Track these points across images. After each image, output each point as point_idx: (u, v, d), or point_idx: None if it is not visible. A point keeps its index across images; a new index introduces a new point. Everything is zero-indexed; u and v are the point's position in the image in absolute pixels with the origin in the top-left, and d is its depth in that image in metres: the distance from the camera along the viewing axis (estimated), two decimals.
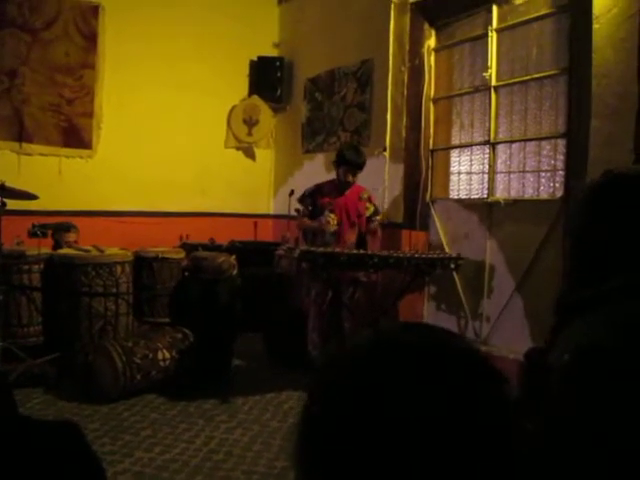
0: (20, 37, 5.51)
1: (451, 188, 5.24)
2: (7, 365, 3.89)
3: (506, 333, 4.46)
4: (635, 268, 1.06)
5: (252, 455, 3.15)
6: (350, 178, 4.48)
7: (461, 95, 5.11)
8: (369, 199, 4.66)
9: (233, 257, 4.69)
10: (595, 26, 3.59)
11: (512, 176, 4.68)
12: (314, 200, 4.61)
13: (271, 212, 6.98)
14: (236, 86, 6.72)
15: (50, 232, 4.57)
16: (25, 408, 3.57)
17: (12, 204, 4.07)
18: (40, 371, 4.04)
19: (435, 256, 4.23)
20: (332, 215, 4.54)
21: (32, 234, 4.44)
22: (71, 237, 4.77)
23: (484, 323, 4.69)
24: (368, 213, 4.62)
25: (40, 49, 5.61)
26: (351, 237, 4.59)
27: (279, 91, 6.74)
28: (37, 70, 5.60)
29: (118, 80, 5.91)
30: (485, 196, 4.77)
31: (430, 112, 5.31)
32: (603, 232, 1.13)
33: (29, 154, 5.54)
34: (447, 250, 4.86)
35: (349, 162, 4.42)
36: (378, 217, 4.72)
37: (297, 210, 4.75)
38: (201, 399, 3.90)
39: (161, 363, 3.99)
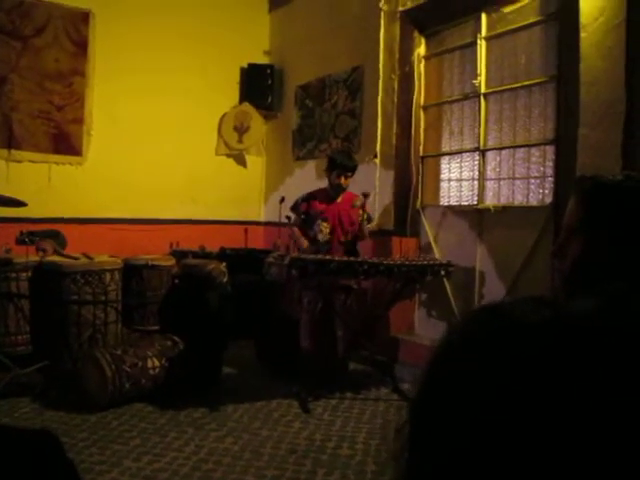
0: (9, 44, 5.49)
1: (441, 195, 5.25)
2: None
3: None
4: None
5: (242, 464, 3.12)
6: (342, 181, 4.47)
7: (451, 102, 5.13)
8: (362, 206, 4.66)
9: (223, 264, 4.67)
10: (582, 34, 3.62)
11: (502, 183, 4.70)
12: (307, 208, 4.60)
13: (262, 219, 6.97)
14: (227, 93, 6.72)
15: (37, 240, 4.52)
16: (12, 417, 3.53)
17: (0, 211, 4.05)
18: (27, 380, 4.01)
19: (426, 263, 4.23)
20: (324, 224, 4.53)
21: (20, 241, 4.40)
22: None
23: None
24: (361, 220, 4.62)
25: (30, 56, 5.60)
26: (344, 245, 4.59)
27: (270, 98, 6.74)
28: (27, 77, 5.58)
29: (108, 87, 5.89)
30: (475, 203, 4.78)
31: (420, 119, 5.33)
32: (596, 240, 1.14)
33: (18, 161, 5.51)
34: (438, 257, 4.87)
35: (340, 165, 4.43)
36: (370, 225, 4.72)
37: (287, 217, 4.74)
38: (191, 407, 3.88)
39: (150, 371, 3.96)
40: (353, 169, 4.49)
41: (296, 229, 4.65)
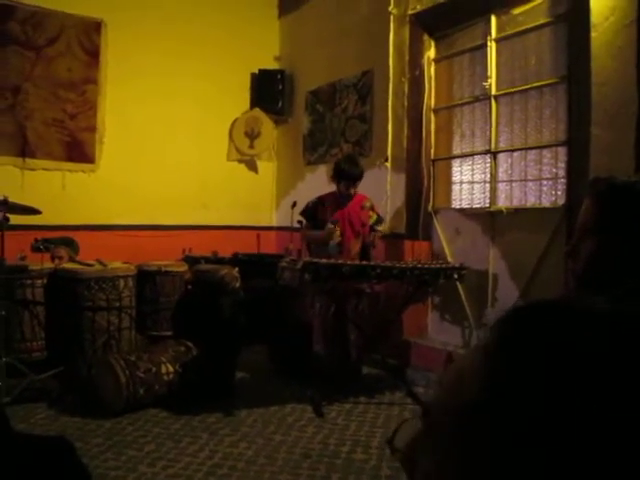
0: (23, 54, 5.57)
1: (453, 198, 5.23)
2: (10, 380, 3.89)
3: None
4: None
5: (256, 469, 3.12)
6: (351, 190, 4.51)
7: (461, 105, 5.12)
8: (372, 208, 4.67)
9: (236, 269, 4.69)
10: (593, 34, 3.60)
11: (514, 185, 4.68)
12: (316, 212, 4.62)
13: (274, 224, 6.98)
14: (238, 99, 6.75)
15: (52, 247, 4.57)
16: (28, 423, 3.56)
17: (15, 219, 4.09)
18: (43, 386, 4.04)
19: (438, 266, 4.21)
20: (335, 227, 4.54)
21: (35, 249, 4.45)
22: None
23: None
24: (371, 221, 4.63)
25: (43, 65, 5.66)
26: (355, 247, 4.60)
27: (280, 103, 6.77)
28: (40, 86, 5.65)
29: (120, 95, 5.95)
30: (487, 205, 4.76)
31: (431, 122, 5.32)
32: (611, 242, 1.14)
33: (32, 169, 5.57)
34: (450, 260, 4.85)
35: (347, 176, 4.44)
36: (380, 227, 4.72)
37: (299, 222, 4.75)
38: (205, 413, 3.89)
39: (164, 377, 3.98)
40: (360, 177, 4.50)
41: (308, 231, 4.69)
